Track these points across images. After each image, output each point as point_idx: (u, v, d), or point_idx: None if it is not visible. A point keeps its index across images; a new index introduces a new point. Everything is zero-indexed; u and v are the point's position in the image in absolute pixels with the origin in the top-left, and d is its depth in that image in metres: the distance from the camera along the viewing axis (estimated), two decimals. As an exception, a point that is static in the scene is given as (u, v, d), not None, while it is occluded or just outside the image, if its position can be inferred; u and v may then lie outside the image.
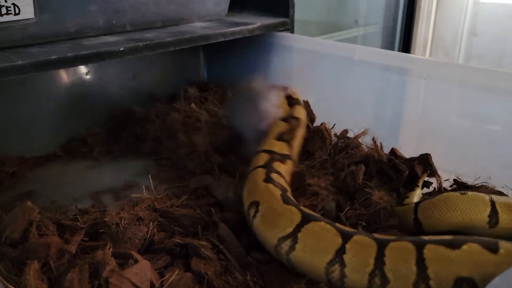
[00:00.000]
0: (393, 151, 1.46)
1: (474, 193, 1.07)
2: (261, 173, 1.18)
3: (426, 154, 1.40)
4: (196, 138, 1.57)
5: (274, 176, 1.18)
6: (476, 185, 1.28)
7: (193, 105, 1.79)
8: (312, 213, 1.01)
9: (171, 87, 1.96)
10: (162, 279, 0.86)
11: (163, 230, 1.07)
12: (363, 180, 1.32)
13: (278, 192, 1.08)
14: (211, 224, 1.11)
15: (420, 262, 0.83)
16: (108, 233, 1.00)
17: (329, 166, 1.44)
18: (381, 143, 1.46)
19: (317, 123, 1.70)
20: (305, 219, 0.97)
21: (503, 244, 0.84)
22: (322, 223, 0.95)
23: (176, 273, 0.88)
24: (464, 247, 0.83)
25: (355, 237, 0.90)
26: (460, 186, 1.30)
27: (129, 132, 1.73)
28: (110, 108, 1.82)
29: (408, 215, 1.12)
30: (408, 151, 1.44)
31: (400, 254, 0.85)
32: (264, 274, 0.94)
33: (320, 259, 0.90)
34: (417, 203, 1.11)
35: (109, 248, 0.88)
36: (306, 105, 1.74)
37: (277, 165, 1.25)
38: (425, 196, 1.32)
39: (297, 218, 0.97)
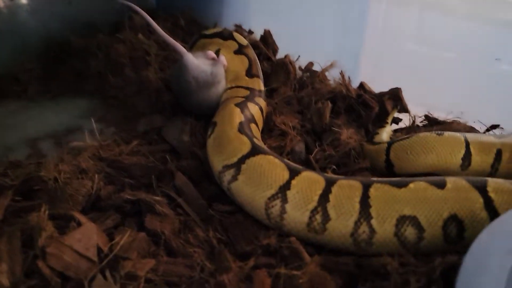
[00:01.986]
0: (361, 86, 1.36)
1: (450, 134, 1.01)
2: (238, 100, 1.09)
3: (397, 88, 1.31)
4: (145, 74, 1.39)
5: (251, 106, 1.08)
6: (448, 121, 1.22)
7: (140, 35, 1.58)
8: (265, 147, 0.93)
9: (114, 15, 1.72)
10: (111, 243, 0.75)
11: (111, 183, 0.94)
12: (331, 117, 1.23)
13: (238, 119, 0.99)
14: (167, 173, 0.99)
15: (364, 200, 0.79)
16: (44, 190, 0.86)
17: (295, 103, 1.33)
18: (349, 77, 1.36)
19: (280, 54, 1.56)
20: (254, 151, 0.89)
21: (451, 179, 0.80)
22: (271, 157, 0.88)
23: (127, 234, 0.77)
24: (411, 185, 0.80)
25: (304, 173, 0.84)
26: (431, 122, 1.24)
27: (68, 67, 1.51)
28: (44, 40, 1.58)
29: (379, 155, 1.04)
30: (370, 80, 1.35)
31: (346, 191, 0.80)
32: (229, 228, 0.85)
33: (261, 194, 0.83)
34: (389, 143, 1.04)
35: (45, 211, 0.75)
36: (268, 34, 1.58)
37: (259, 100, 1.15)
38: (395, 133, 1.25)
39: (246, 148, 0.90)
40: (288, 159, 1.07)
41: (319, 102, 1.26)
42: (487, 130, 1.17)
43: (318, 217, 0.79)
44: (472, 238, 0.76)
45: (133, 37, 1.57)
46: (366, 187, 0.80)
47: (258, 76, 1.23)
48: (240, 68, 1.22)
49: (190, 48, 1.29)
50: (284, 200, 0.81)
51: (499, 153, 0.99)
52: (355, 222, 0.78)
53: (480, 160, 0.99)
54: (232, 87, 1.18)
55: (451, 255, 0.71)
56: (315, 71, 1.42)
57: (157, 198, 0.85)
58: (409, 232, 0.77)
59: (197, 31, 1.62)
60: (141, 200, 0.84)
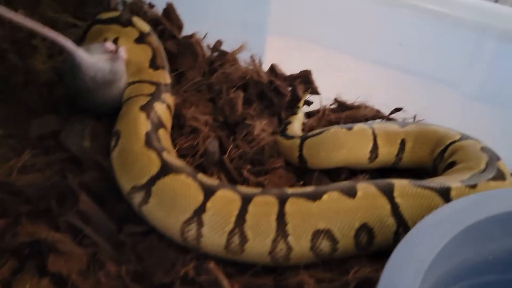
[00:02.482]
0: (272, 68, 1.33)
1: (359, 127, 1.03)
2: (143, 100, 1.00)
3: (306, 71, 1.30)
4: (31, 62, 1.22)
5: (157, 106, 1.00)
6: (355, 104, 1.24)
7: (21, 11, 1.36)
8: (176, 162, 0.87)
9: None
10: (9, 297, 0.67)
11: (2, 216, 0.83)
12: (244, 107, 1.19)
13: (144, 128, 0.92)
14: (69, 194, 0.89)
15: (281, 217, 0.79)
16: None
17: (205, 90, 1.26)
18: (260, 60, 1.31)
19: (185, 31, 1.45)
20: (164, 170, 0.83)
21: (361, 186, 0.83)
22: (183, 176, 0.83)
23: (28, 283, 0.69)
24: (325, 197, 0.81)
25: (219, 193, 0.81)
26: (341, 105, 1.25)
27: None
28: None
29: (292, 151, 1.04)
30: (280, 58, 1.32)
31: (262, 209, 0.79)
32: (144, 256, 0.80)
33: (175, 218, 0.80)
34: (302, 139, 1.04)
35: None
36: (171, 9, 1.45)
37: (166, 97, 1.06)
38: (308, 118, 1.24)
39: (155, 168, 0.84)
40: (202, 163, 1.03)
41: (230, 91, 1.21)
42: (391, 113, 1.22)
43: (236, 239, 0.78)
44: (381, 243, 0.81)
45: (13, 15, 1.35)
46: (282, 203, 0.80)
47: (163, 68, 1.14)
48: (142, 59, 1.12)
49: (82, 37, 1.14)
50: (200, 223, 0.78)
51: (403, 143, 1.04)
52: (272, 241, 0.78)
53: (387, 152, 1.03)
54: (134, 82, 1.08)
55: (364, 267, 0.75)
56: (225, 52, 1.35)
57: (58, 236, 0.77)
58: (324, 245, 0.79)
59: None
60: (41, 241, 0.75)
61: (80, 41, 1.15)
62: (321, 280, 0.75)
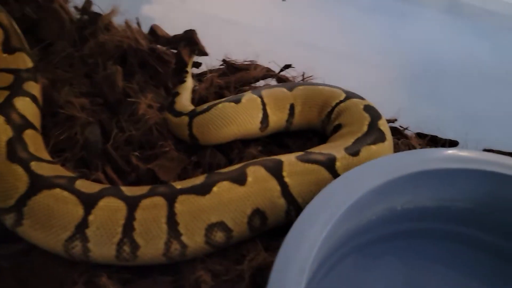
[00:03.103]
0: (153, 31, 1.21)
1: (247, 98, 1.00)
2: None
3: (190, 30, 1.20)
4: None
5: (19, 102, 0.88)
6: (245, 64, 1.20)
7: None
8: (48, 172, 0.79)
9: None
10: None
11: None
12: (124, 82, 1.09)
13: (4, 136, 0.82)
14: None
15: (171, 218, 0.76)
16: None
17: (78, 63, 1.12)
18: (138, 23, 1.18)
19: None
20: (34, 188, 0.75)
21: (251, 170, 0.82)
22: (57, 190, 0.75)
23: None
24: (215, 189, 0.79)
25: (101, 203, 0.75)
26: (229, 66, 1.20)
27: None
28: None
29: (182, 129, 0.99)
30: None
31: (150, 214, 0.76)
32: (27, 280, 0.74)
33: (55, 238, 0.74)
34: (191, 117, 0.98)
35: None
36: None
37: (29, 86, 0.93)
38: (199, 81, 1.18)
39: (23, 185, 0.76)
40: (83, 156, 0.94)
41: (107, 64, 1.09)
42: (281, 70, 1.19)
43: (126, 248, 0.75)
44: (274, 223, 0.83)
45: None
46: (171, 203, 0.77)
47: (21, 49, 0.98)
48: (-7, 43, 0.95)
49: None
50: (85, 239, 0.73)
51: (292, 108, 1.03)
52: (165, 243, 0.76)
53: (277, 119, 1.02)
54: (-12, 72, 0.93)
55: (259, 253, 0.77)
56: (97, 15, 1.19)
57: None
58: (219, 236, 0.78)
59: None
60: None
61: None
62: (217, 273, 0.76)
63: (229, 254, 0.81)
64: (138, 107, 1.03)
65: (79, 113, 0.99)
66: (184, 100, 1.08)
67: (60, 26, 1.15)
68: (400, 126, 1.14)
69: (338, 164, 0.85)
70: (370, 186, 0.76)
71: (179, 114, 1.01)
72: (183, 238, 0.76)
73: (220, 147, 1.01)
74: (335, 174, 0.84)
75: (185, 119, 0.99)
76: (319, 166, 0.84)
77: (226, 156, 1.00)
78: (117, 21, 1.19)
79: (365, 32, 1.25)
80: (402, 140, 1.08)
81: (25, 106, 0.89)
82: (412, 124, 1.15)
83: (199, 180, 0.82)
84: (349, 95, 1.03)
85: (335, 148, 0.89)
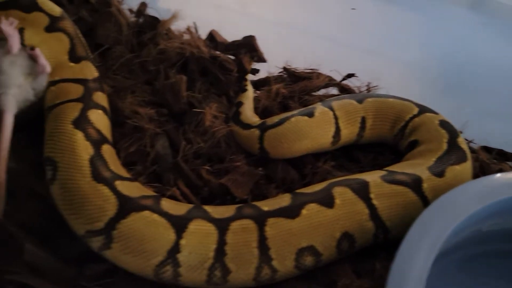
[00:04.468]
0: (212, 37, 1.18)
1: (320, 112, 0.97)
2: (73, 109, 0.84)
3: (250, 36, 1.17)
4: None
5: (93, 115, 0.85)
6: (306, 72, 1.16)
7: None
8: (133, 192, 0.76)
9: None
10: None
11: None
12: (187, 90, 1.05)
13: (86, 154, 0.79)
14: (7, 238, 0.76)
15: (262, 243, 0.74)
16: None
17: (138, 70, 1.09)
18: (195, 27, 1.15)
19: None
20: (123, 210, 0.73)
21: (337, 192, 0.80)
22: (147, 213, 0.73)
23: None
24: (303, 212, 0.77)
25: (191, 226, 0.73)
26: (290, 74, 1.16)
27: None
28: None
29: (253, 143, 0.97)
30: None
31: (241, 238, 0.73)
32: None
33: (146, 263, 0.72)
34: (262, 130, 0.95)
35: None
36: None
37: (98, 97, 0.90)
38: (256, 89, 1.14)
39: (112, 208, 0.73)
40: (155, 170, 0.92)
41: (169, 71, 1.06)
42: (343, 79, 1.16)
43: (218, 273, 0.72)
44: (361, 245, 0.81)
45: None
46: (261, 226, 0.74)
47: (86, 58, 0.95)
48: (59, 52, 0.92)
49: None
50: (176, 264, 0.71)
51: (363, 121, 1.00)
52: (256, 268, 0.73)
53: (348, 132, 0.99)
54: (55, 82, 0.89)
55: (352, 281, 0.75)
56: (155, 20, 1.15)
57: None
58: (309, 260, 0.76)
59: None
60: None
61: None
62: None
63: (318, 277, 0.79)
64: (204, 118, 1.00)
65: (148, 124, 0.96)
66: (249, 111, 1.05)
67: (118, 30, 1.12)
68: (466, 139, 1.11)
69: (425, 185, 0.82)
70: (465, 214, 0.74)
71: (247, 126, 0.98)
72: (274, 262, 0.74)
73: (291, 161, 0.98)
74: (422, 196, 0.82)
75: (256, 132, 0.96)
76: (405, 188, 0.82)
77: (298, 171, 0.97)
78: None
79: (430, 42, 1.22)
80: (471, 154, 1.06)
81: (98, 119, 0.86)
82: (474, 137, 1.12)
83: (284, 201, 0.80)
84: (422, 109, 1.00)
85: (418, 168, 0.86)
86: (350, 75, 1.16)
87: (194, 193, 0.91)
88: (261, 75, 1.20)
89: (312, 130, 0.95)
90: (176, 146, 0.97)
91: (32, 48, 0.88)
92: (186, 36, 1.15)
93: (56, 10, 0.93)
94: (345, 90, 1.15)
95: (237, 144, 1.00)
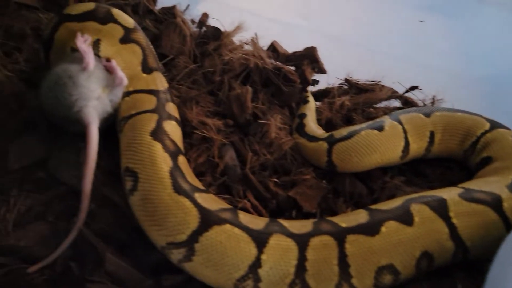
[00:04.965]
0: (273, 47, 1.18)
1: (390, 126, 0.95)
2: (150, 120, 0.85)
3: (312, 47, 1.17)
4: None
5: (168, 127, 0.86)
6: (368, 84, 1.15)
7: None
8: (212, 205, 0.76)
9: None
10: None
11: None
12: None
13: (166, 166, 0.79)
14: (86, 247, 0.77)
15: (342, 260, 0.73)
16: None
17: (201, 80, 1.10)
18: (256, 36, 1.14)
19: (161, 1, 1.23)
20: (205, 223, 0.73)
21: (415, 209, 0.78)
22: (228, 227, 0.73)
23: None
24: (383, 229, 0.75)
25: (272, 241, 0.72)
26: (352, 86, 1.15)
27: None
28: None
29: (320, 155, 0.96)
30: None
31: (321, 254, 0.73)
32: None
33: (226, 276, 0.72)
34: (330, 143, 0.95)
35: None
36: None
37: (170, 108, 0.91)
38: (319, 101, 1.13)
39: (194, 220, 0.73)
40: (225, 182, 0.92)
41: (234, 83, 1.06)
42: (406, 91, 1.14)
43: None
44: (439, 265, 0.79)
45: None
46: (341, 243, 0.73)
47: (157, 69, 0.96)
48: (133, 63, 0.93)
49: (49, 40, 0.91)
50: (257, 279, 0.71)
51: (432, 136, 0.98)
52: (336, 285, 0.72)
53: (417, 147, 0.98)
54: (130, 93, 0.90)
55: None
56: (217, 31, 1.16)
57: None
58: (387, 279, 0.75)
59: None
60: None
61: (46, 45, 0.93)
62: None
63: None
64: (269, 130, 1.00)
65: (216, 135, 0.96)
66: (313, 123, 1.04)
67: (181, 41, 1.13)
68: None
69: (505, 205, 0.80)
70: None
71: (314, 139, 0.98)
72: (353, 280, 0.73)
73: (358, 174, 0.97)
74: (503, 216, 0.79)
75: (323, 145, 0.95)
76: (485, 207, 0.79)
77: (365, 185, 0.96)
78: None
79: (498, 57, 1.18)
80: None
81: (173, 130, 0.86)
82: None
83: (361, 217, 0.79)
84: (494, 124, 0.98)
85: (495, 186, 0.83)
86: (413, 88, 1.14)
87: (263, 205, 0.91)
88: (321, 86, 1.19)
89: (382, 144, 0.93)
90: (242, 157, 0.97)
91: (108, 60, 0.90)
92: (247, 47, 1.16)
93: (130, 21, 0.95)
94: (408, 103, 1.13)
95: (302, 156, 0.99)
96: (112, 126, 0.91)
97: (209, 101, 1.07)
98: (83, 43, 0.84)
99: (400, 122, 0.97)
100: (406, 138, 0.96)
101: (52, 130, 0.93)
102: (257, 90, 1.09)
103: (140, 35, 0.95)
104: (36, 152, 0.91)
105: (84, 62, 0.82)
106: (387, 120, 0.97)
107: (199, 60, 1.13)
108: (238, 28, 1.12)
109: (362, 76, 1.17)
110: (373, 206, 0.83)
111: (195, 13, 1.23)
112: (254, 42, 1.12)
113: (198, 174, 0.92)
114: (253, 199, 0.90)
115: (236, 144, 0.99)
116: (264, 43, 1.18)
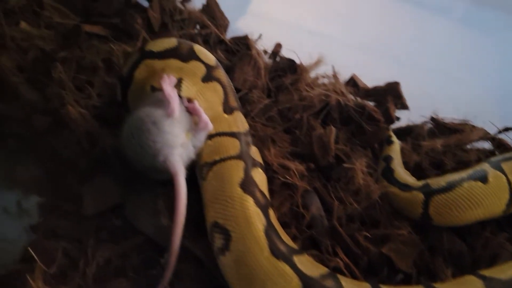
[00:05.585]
0: (353, 81, 1.10)
1: (494, 177, 0.86)
2: (237, 169, 0.79)
3: (395, 82, 1.09)
4: (58, 100, 0.95)
5: (256, 175, 0.79)
6: (456, 124, 1.05)
7: (24, 24, 1.04)
8: (311, 270, 0.69)
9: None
10: None
11: None
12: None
13: (260, 224, 0.73)
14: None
15: None
16: None
17: (276, 116, 1.03)
18: (333, 68, 1.07)
19: (233, 30, 1.17)
20: None
21: None
22: None
23: None
24: None
25: None
26: (439, 126, 1.06)
27: None
28: None
29: (414, 207, 0.87)
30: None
31: None
32: None
33: None
34: (427, 195, 0.86)
35: None
36: (213, 3, 1.16)
37: (254, 153, 0.85)
38: (401, 139, 1.04)
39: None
40: (312, 235, 0.85)
41: (313, 121, 0.99)
42: (499, 132, 1.04)
43: None
44: None
45: (14, 30, 1.03)
46: None
47: (238, 108, 0.90)
48: (215, 103, 0.87)
49: (128, 77, 0.86)
50: None
51: (536, 187, 0.89)
52: None
53: (521, 200, 0.88)
54: (212, 136, 0.84)
55: None
56: (291, 62, 1.10)
57: None
58: None
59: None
60: None
61: (124, 83, 0.88)
62: None
63: None
64: (355, 175, 0.92)
65: (299, 181, 0.89)
66: (400, 167, 0.96)
67: (256, 74, 1.07)
68: None
69: None
70: None
71: (406, 187, 0.89)
72: None
73: (456, 229, 0.88)
74: None
75: (419, 196, 0.87)
76: None
77: (465, 242, 0.87)
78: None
79: None
80: None
81: (261, 180, 0.80)
82: None
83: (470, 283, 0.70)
84: None
85: None
86: (507, 129, 1.04)
87: (353, 262, 0.83)
88: (402, 123, 1.11)
89: (486, 198, 0.84)
90: (327, 205, 0.90)
91: (190, 100, 0.84)
92: (322, 79, 1.09)
93: (211, 58, 0.89)
94: (501, 146, 1.03)
95: (391, 205, 0.91)
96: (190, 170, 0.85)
97: (286, 140, 1.00)
98: (169, 86, 0.78)
99: (503, 172, 0.87)
100: (510, 190, 0.86)
101: (126, 171, 0.89)
102: (337, 128, 1.01)
103: (221, 73, 0.89)
104: (110, 197, 0.86)
105: (170, 108, 0.76)
106: (489, 170, 0.88)
107: (273, 95, 1.07)
108: (318, 62, 1.04)
109: (447, 112, 1.08)
110: (487, 273, 0.74)
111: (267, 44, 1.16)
112: (335, 76, 1.04)
113: (283, 225, 0.84)
114: (344, 257, 0.82)
115: (319, 191, 0.92)
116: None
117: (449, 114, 1.07)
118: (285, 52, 1.14)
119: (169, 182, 0.78)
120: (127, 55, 1.02)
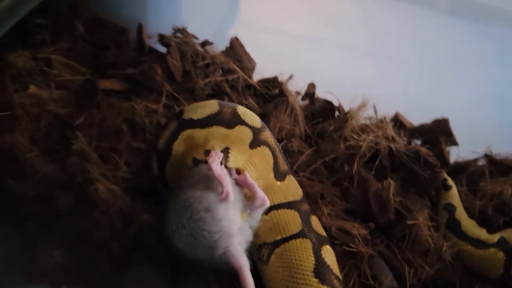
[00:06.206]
0: (398, 121, 1.02)
1: None
2: (305, 251, 0.69)
3: (444, 119, 1.00)
4: (82, 176, 0.83)
5: (327, 257, 0.70)
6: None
7: (33, 88, 0.92)
8: None
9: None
10: None
11: None
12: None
13: None
14: None
15: None
16: None
17: (322, 169, 0.93)
18: (376, 112, 0.98)
19: (260, 71, 1.07)
20: None
21: None
22: None
23: None
24: None
25: None
26: (494, 164, 0.98)
27: None
28: None
29: (494, 267, 0.80)
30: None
31: None
32: None
33: None
34: (508, 253, 0.78)
35: None
36: (238, 45, 1.06)
37: (316, 225, 0.75)
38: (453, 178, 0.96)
39: None
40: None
41: (364, 172, 0.90)
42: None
43: None
44: None
45: (22, 95, 0.90)
46: None
47: (289, 171, 0.80)
48: (265, 170, 0.77)
49: (165, 150, 0.75)
50: None
51: None
52: None
53: None
54: (267, 210, 0.73)
55: None
56: (329, 104, 1.01)
57: None
58: None
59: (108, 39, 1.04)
60: None
61: (161, 157, 0.76)
62: None
63: None
64: (420, 232, 0.84)
65: (364, 247, 0.80)
66: (466, 218, 0.88)
67: (292, 121, 0.97)
68: None
69: None
70: None
71: (480, 244, 0.82)
72: None
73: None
74: None
75: (498, 254, 0.79)
76: None
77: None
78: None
79: None
80: None
81: (332, 260, 0.70)
82: None
83: None
84: None
85: None
86: None
87: None
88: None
89: None
90: (395, 271, 0.81)
91: (238, 172, 0.74)
92: (363, 120, 1.00)
93: (257, 120, 0.78)
94: None
95: (464, 264, 0.83)
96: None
97: (335, 194, 0.91)
98: (219, 166, 0.67)
99: None
100: None
101: (169, 253, 0.78)
102: (386, 174, 0.93)
103: (268, 134, 0.79)
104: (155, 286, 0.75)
105: (223, 192, 0.66)
106: None
107: (313, 143, 0.98)
108: (364, 105, 0.95)
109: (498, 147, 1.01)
110: None
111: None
112: (384, 120, 0.95)
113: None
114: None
115: (384, 254, 0.83)
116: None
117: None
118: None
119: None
120: (151, 113, 0.92)
